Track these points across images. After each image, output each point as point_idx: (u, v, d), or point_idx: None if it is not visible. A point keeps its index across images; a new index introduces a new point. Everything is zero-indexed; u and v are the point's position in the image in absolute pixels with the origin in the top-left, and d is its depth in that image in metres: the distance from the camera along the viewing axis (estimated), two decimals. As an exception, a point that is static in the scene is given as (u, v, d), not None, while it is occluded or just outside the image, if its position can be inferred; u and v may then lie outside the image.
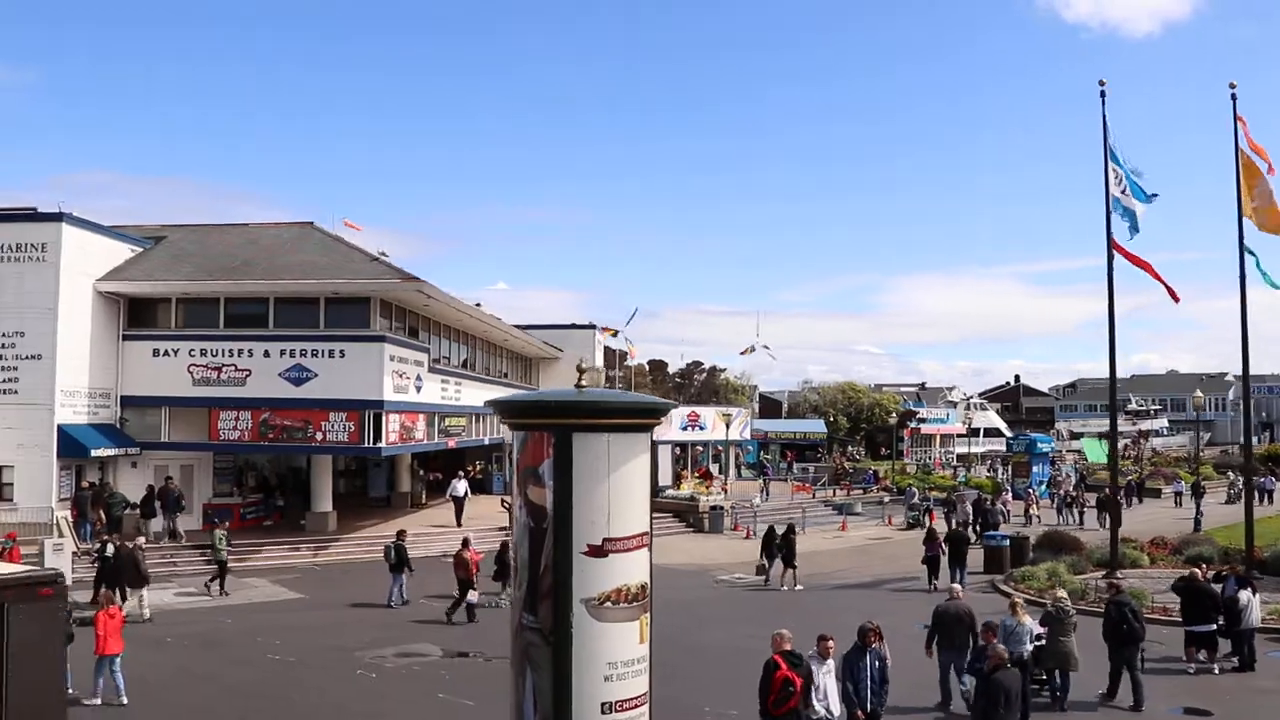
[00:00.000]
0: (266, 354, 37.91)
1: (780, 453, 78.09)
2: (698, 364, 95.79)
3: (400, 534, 30.95)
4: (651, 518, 11.79)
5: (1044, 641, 18.70)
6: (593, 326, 71.13)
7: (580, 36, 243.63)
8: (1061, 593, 21.00)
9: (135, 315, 39.37)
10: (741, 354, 76.26)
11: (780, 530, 34.78)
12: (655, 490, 50.96)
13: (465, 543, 28.36)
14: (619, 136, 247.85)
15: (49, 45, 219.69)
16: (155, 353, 38.72)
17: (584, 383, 11.43)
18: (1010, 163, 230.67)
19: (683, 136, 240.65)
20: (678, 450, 60.08)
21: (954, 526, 37.90)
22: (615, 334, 62.61)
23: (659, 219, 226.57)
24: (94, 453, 36.46)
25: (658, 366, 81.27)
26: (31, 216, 36.33)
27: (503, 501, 43.80)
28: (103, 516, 34.94)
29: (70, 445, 35.87)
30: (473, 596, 26.96)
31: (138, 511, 36.73)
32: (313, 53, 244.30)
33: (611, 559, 10.57)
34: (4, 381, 35.93)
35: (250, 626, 26.58)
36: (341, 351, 37.56)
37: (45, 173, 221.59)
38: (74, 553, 32.68)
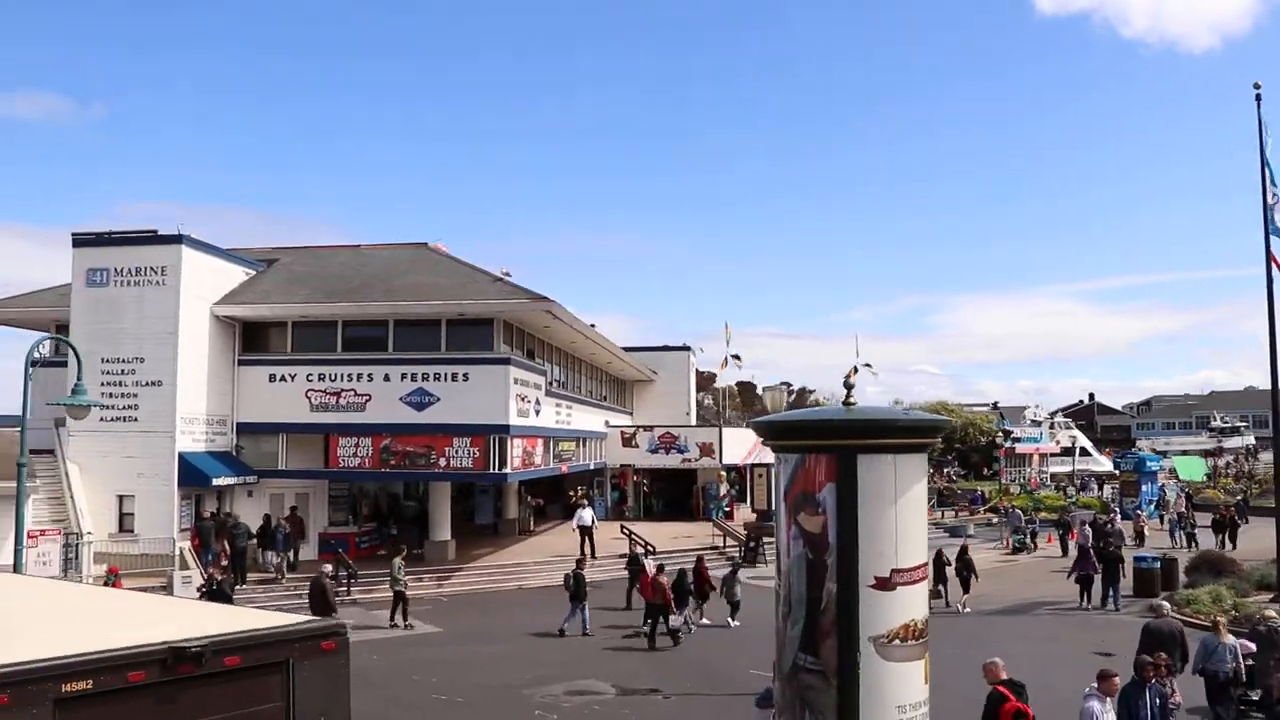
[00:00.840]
0: (387, 378, 36.65)
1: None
2: (786, 384, 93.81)
3: (579, 563, 30.12)
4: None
5: (1253, 661, 17.49)
6: (687, 348, 69.64)
7: (638, 60, 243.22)
8: (1271, 611, 19.49)
9: (250, 339, 38.31)
10: (848, 376, 73.39)
11: (951, 552, 33.36)
12: (767, 513, 49.25)
13: (660, 568, 28.23)
14: (672, 160, 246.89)
15: (112, 83, 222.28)
16: (272, 378, 37.55)
17: (852, 400, 10.81)
18: (1065, 182, 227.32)
19: (732, 159, 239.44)
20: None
21: (1100, 546, 35.86)
22: (738, 357, 60.76)
23: (712, 243, 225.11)
24: (215, 482, 35.30)
25: (746, 388, 79.52)
26: (151, 239, 35.37)
27: (621, 528, 42.29)
28: (227, 548, 33.68)
29: (191, 474, 34.73)
30: (675, 620, 26.59)
31: (254, 541, 35.49)
32: (361, 79, 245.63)
33: (899, 592, 9.92)
34: (124, 409, 34.88)
35: (401, 663, 25.13)
36: (465, 375, 36.22)
37: (108, 204, 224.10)
38: (199, 587, 31.57)
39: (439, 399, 36.19)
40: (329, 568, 29.22)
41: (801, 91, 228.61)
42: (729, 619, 29.34)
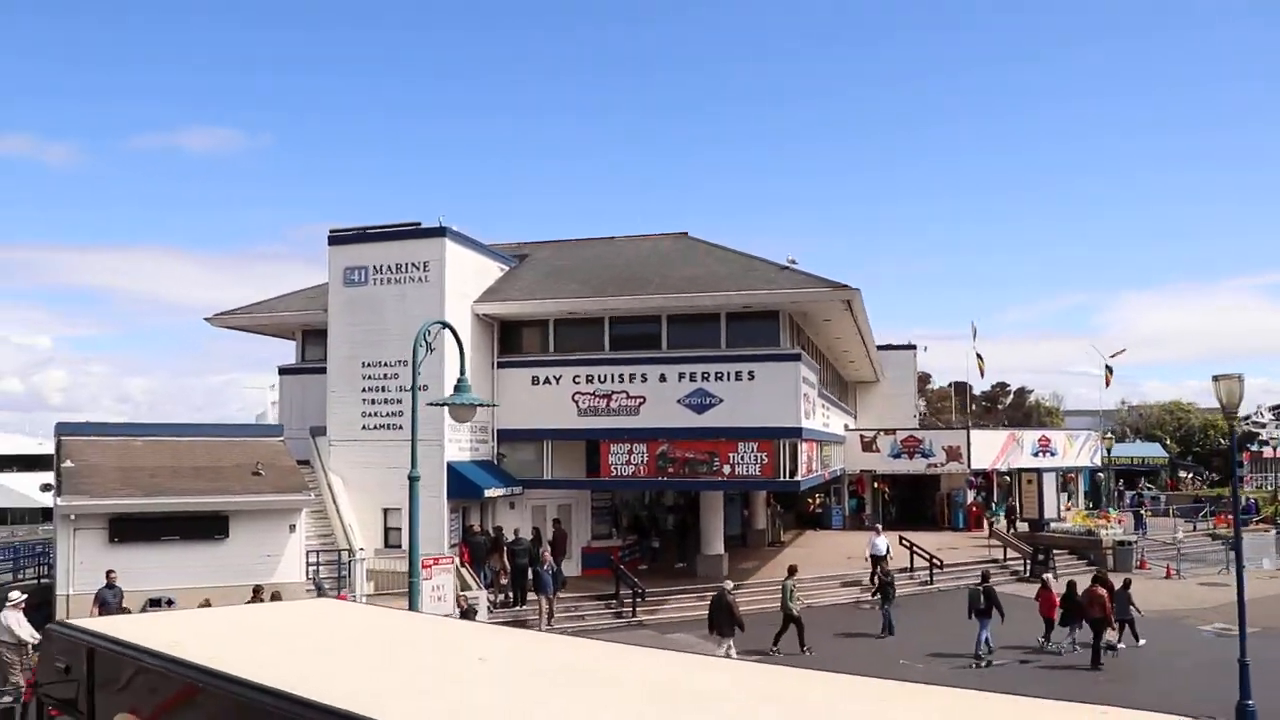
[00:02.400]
0: (663, 378, 33.44)
1: (1112, 479, 70.55)
2: (1003, 385, 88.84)
3: (986, 575, 27.40)
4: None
5: None
6: (912, 347, 65.38)
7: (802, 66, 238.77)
8: None
9: (507, 339, 35.51)
10: (1110, 361, 68.51)
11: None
12: (1039, 523, 44.92)
13: (1097, 579, 26.19)
14: (832, 161, 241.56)
15: (277, 112, 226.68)
16: (534, 380, 34.65)
17: None
18: (1231, 171, 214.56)
19: (894, 163, 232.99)
20: (1061, 478, 53.41)
21: None
22: (980, 359, 56.45)
23: (874, 244, 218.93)
24: (487, 493, 32.48)
25: (960, 389, 74.88)
26: (414, 233, 32.76)
27: (901, 540, 38.40)
28: (507, 565, 30.80)
29: (461, 485, 32.01)
30: (1110, 636, 25.17)
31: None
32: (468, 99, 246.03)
33: None
34: (388, 415, 32.38)
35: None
36: (750, 373, 32.80)
37: (278, 229, 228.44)
38: (490, 604, 28.76)
39: (721, 400, 32.85)
40: (730, 584, 26.38)
41: (975, 93, 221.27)
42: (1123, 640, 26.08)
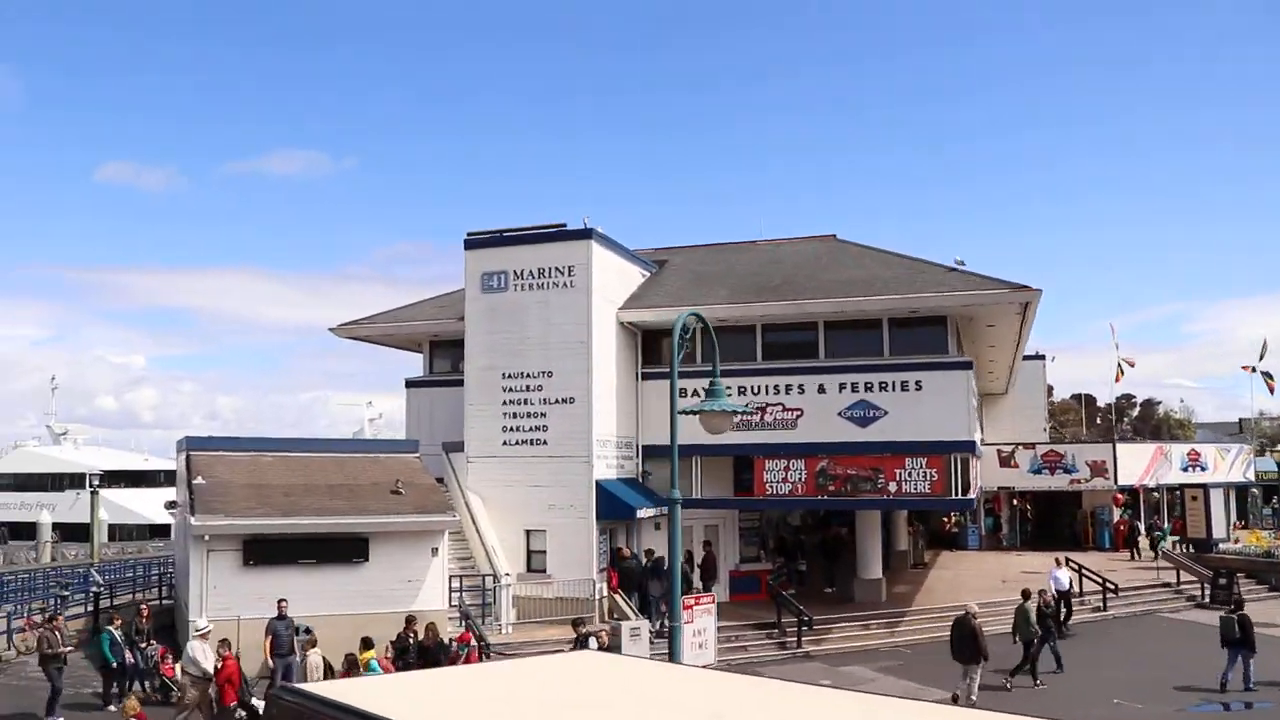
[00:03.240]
0: (822, 389, 31.06)
1: (1263, 496, 66.54)
2: (1129, 397, 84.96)
3: (1239, 603, 24.48)
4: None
5: None
6: (1041, 357, 62.17)
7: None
8: None
9: (649, 349, 33.30)
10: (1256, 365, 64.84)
11: None
12: (1207, 544, 41.76)
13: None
14: (938, 168, 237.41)
15: (362, 136, 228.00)
16: (682, 392, 32.19)
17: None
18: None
19: (973, 172, 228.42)
20: (1227, 494, 50.04)
21: None
22: (1133, 364, 53.20)
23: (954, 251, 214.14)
24: (639, 514, 30.28)
25: (1087, 401, 71.54)
26: (557, 235, 30.73)
27: (1063, 561, 35.37)
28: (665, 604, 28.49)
29: (611, 505, 29.89)
30: None
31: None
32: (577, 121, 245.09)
33: None
34: (531, 430, 30.33)
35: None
36: (918, 383, 30.32)
37: (365, 249, 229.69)
38: (652, 633, 26.45)
39: (886, 412, 30.40)
40: (975, 605, 23.88)
41: (1102, 94, 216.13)
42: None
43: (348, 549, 26.06)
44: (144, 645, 23.01)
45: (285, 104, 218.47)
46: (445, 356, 36.21)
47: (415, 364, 38.20)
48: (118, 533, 62.76)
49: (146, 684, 23.41)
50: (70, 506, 63.97)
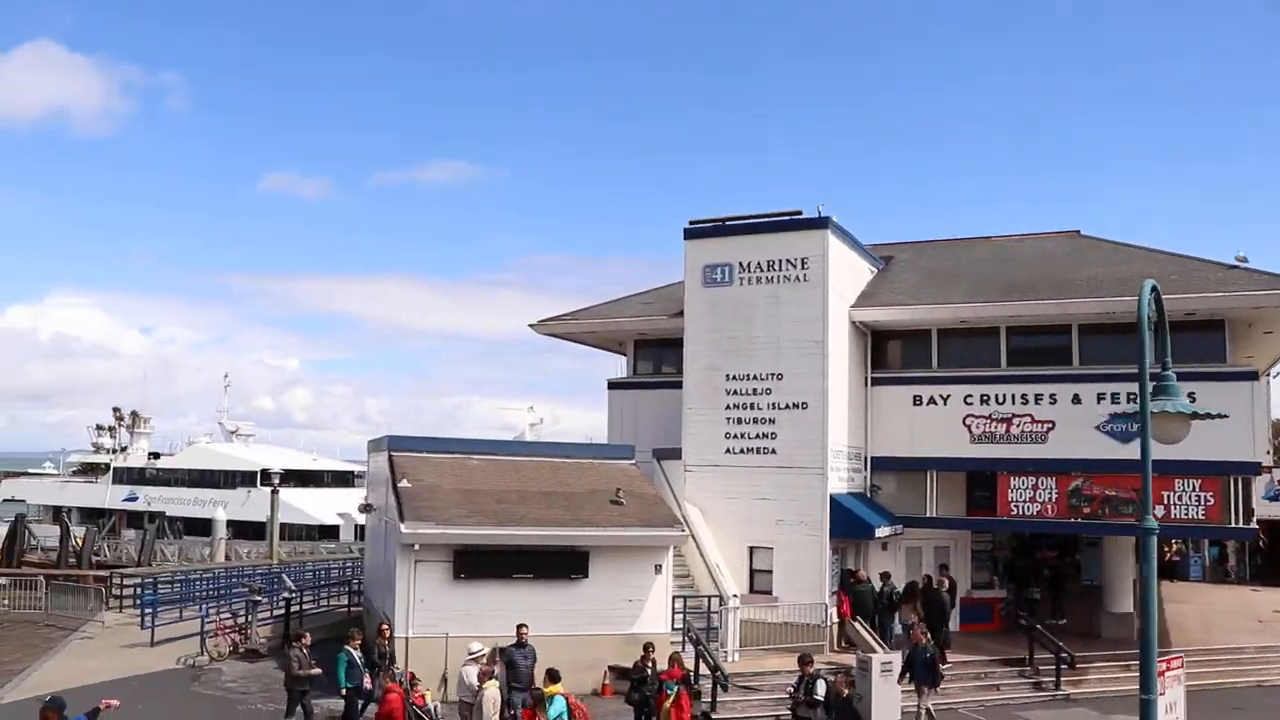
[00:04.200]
0: (1076, 399, 27.91)
1: None
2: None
3: None
4: None
5: None
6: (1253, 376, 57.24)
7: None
8: None
9: (878, 350, 30.53)
10: None
11: None
12: None
13: None
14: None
15: (513, 146, 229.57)
16: (916, 400, 29.52)
17: None
18: None
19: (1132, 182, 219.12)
20: None
21: None
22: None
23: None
24: (878, 533, 27.52)
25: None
26: (790, 224, 28.20)
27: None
28: (920, 615, 25.77)
29: (847, 522, 27.23)
30: None
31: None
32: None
33: None
34: (757, 437, 27.84)
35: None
36: (1191, 395, 26.79)
37: (510, 256, 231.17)
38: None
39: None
40: None
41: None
42: None
43: (566, 564, 23.85)
44: (386, 668, 20.88)
45: (439, 116, 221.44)
46: (649, 357, 34.00)
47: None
48: (286, 532, 61.97)
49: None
50: (242, 504, 63.54)
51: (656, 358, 33.58)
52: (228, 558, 56.77)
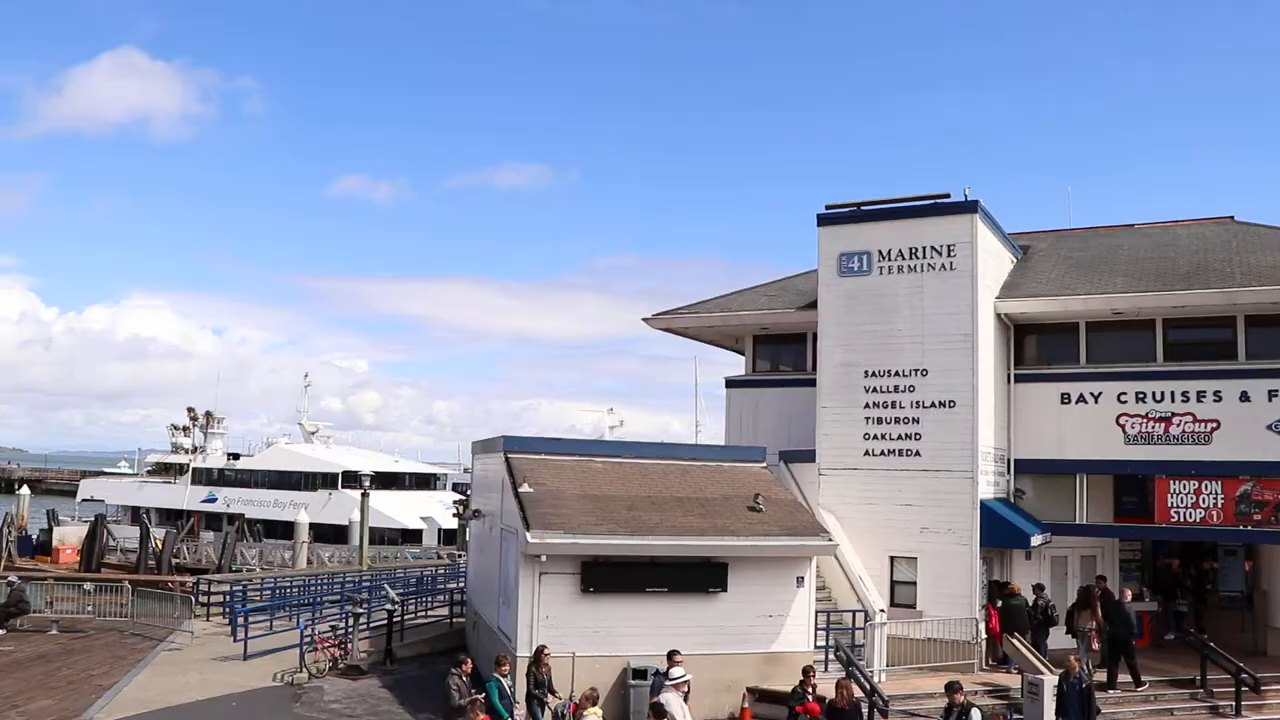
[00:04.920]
0: (1244, 397, 25.79)
1: None
2: None
3: None
4: None
5: None
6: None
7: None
8: None
9: (1020, 345, 28.52)
10: None
11: None
12: None
13: None
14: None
15: (584, 147, 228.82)
16: (1064, 398, 27.48)
17: None
18: None
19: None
20: None
21: None
22: None
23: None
24: (1032, 541, 25.53)
25: None
26: (934, 208, 26.31)
27: None
28: (1099, 624, 23.83)
29: (998, 530, 25.32)
30: None
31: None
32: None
33: None
34: (899, 438, 26.00)
35: None
36: (1374, 390, 24.72)
37: (584, 258, 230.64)
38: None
39: (1332, 426, 24.93)
40: None
41: None
42: None
43: (704, 576, 22.11)
44: (545, 699, 19.25)
45: (512, 119, 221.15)
46: (766, 354, 32.24)
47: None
48: (373, 536, 60.79)
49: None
50: (323, 506, 62.38)
51: (774, 354, 31.91)
52: (310, 562, 55.69)
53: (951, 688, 18.19)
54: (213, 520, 68.69)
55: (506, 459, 23.67)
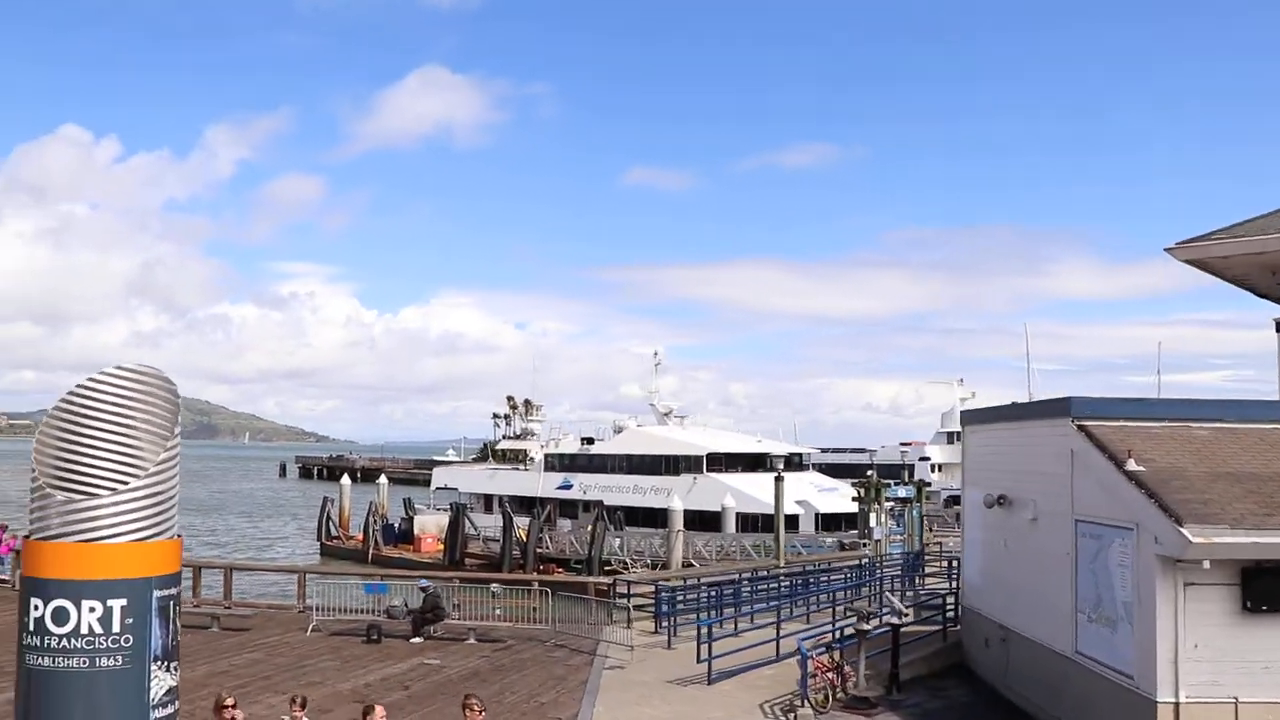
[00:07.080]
0: None
1: None
2: None
3: None
4: None
5: None
6: None
7: None
8: None
9: None
10: None
11: None
12: None
13: None
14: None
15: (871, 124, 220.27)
16: None
17: None
18: None
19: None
20: None
21: None
22: None
23: None
24: None
25: None
26: None
27: None
28: None
29: None
30: None
31: None
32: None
33: None
34: None
35: None
36: None
37: (874, 232, 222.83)
38: None
39: None
40: None
41: None
42: None
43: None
44: None
45: (797, 100, 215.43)
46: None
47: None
48: (740, 523, 55.88)
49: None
50: (688, 491, 57.77)
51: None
52: (682, 555, 51.21)
53: None
54: (566, 508, 65.70)
55: (1081, 427, 17.53)
